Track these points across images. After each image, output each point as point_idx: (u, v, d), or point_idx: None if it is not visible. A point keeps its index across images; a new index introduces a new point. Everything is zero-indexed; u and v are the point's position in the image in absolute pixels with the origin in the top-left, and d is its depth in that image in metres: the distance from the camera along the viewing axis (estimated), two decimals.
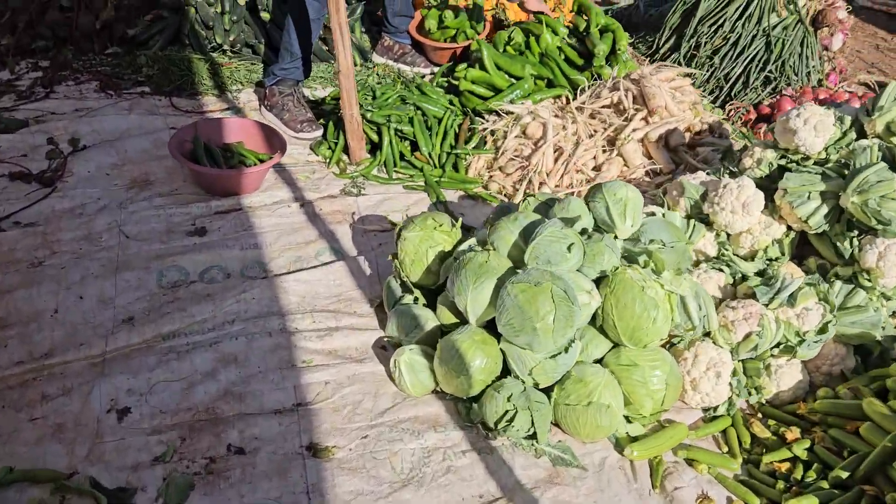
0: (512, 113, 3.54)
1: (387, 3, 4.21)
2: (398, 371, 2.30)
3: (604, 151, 3.30)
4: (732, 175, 2.77)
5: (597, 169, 3.26)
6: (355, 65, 4.21)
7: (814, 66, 4.82)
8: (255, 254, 2.86)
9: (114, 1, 4.03)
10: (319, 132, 3.62)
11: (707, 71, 4.92)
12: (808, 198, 2.54)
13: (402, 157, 3.47)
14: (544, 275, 2.11)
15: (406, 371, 2.28)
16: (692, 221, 2.64)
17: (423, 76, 4.37)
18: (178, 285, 2.66)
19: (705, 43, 4.94)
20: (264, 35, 4.22)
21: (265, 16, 4.25)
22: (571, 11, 4.32)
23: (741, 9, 4.86)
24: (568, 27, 4.32)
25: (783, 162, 2.71)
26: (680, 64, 4.99)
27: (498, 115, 3.67)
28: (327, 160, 3.46)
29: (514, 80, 3.88)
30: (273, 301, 2.62)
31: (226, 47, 4.12)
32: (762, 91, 4.72)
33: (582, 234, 2.31)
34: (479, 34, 4.25)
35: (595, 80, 3.99)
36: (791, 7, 4.82)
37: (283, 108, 3.64)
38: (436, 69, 4.40)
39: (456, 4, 4.45)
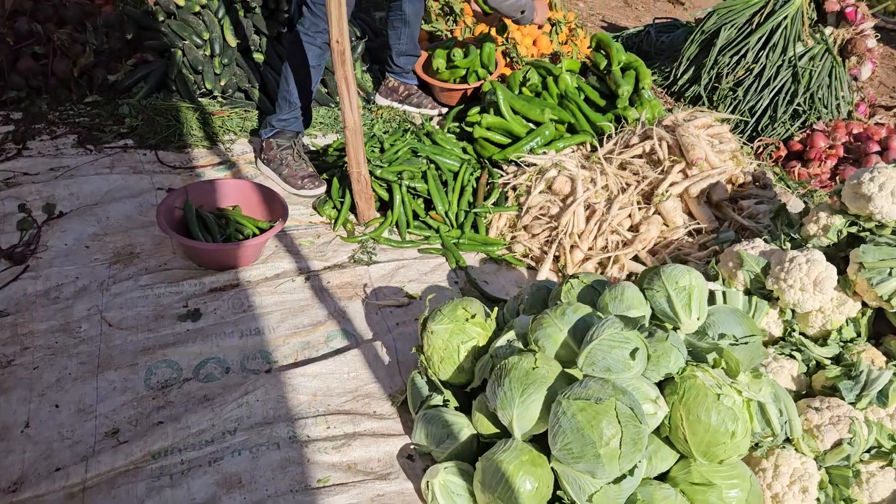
0: (534, 165, 3.22)
1: (391, 41, 3.89)
2: (431, 494, 1.96)
3: (639, 208, 2.98)
4: (795, 244, 2.46)
5: (633, 229, 2.94)
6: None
7: (843, 97, 4.54)
8: (256, 341, 2.51)
9: (93, 45, 3.69)
10: (322, 188, 3.29)
11: (730, 104, 4.62)
12: (890, 274, 2.23)
13: (415, 216, 3.15)
14: (605, 388, 1.78)
15: (441, 496, 1.94)
16: (754, 299, 2.33)
17: (430, 118, 4.05)
18: (170, 385, 2.31)
19: (727, 74, 4.65)
20: (258, 79, 3.89)
21: (258, 57, 3.92)
22: (589, 48, 4.02)
23: (764, 38, 4.58)
24: (585, 63, 4.02)
25: (854, 230, 2.40)
26: (700, 97, 4.71)
27: (517, 165, 3.35)
28: (333, 221, 3.13)
29: (532, 126, 3.57)
30: (280, 402, 2.28)
31: (216, 93, 3.78)
32: (791, 125, 4.43)
33: (640, 329, 1.98)
34: (491, 73, 3.94)
35: (619, 123, 3.69)
36: (818, 36, 4.55)
37: (281, 163, 3.31)
38: (444, 110, 4.09)
39: (465, 41, 4.14)
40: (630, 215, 2.96)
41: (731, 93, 4.65)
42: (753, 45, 4.59)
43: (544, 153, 3.36)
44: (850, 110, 4.57)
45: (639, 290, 2.08)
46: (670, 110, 4.52)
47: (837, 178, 3.97)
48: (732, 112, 4.62)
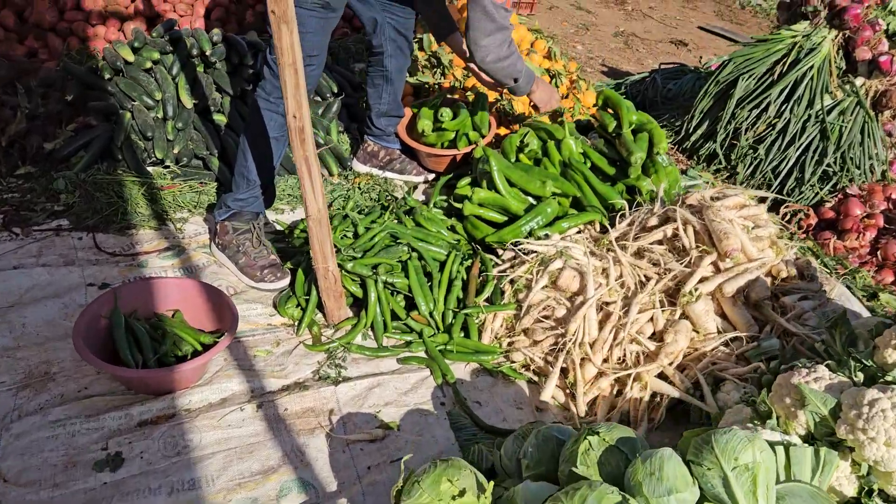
0: (535, 252, 2.72)
1: (371, 100, 3.42)
2: None
3: (662, 308, 2.48)
4: (868, 375, 1.95)
5: (656, 336, 2.44)
6: (330, 175, 3.40)
7: (877, 156, 4.07)
8: (190, 498, 1.98)
9: (25, 109, 3.20)
10: (286, 281, 2.79)
11: (750, 163, 4.15)
12: None
13: (394, 316, 2.64)
14: None
15: None
16: (822, 452, 1.80)
17: (414, 186, 3.57)
18: None
19: (746, 130, 4.18)
20: (218, 145, 3.40)
21: (219, 119, 3.44)
22: (595, 105, 3.55)
23: (788, 90, 4.12)
24: (590, 122, 3.55)
25: None
26: (716, 155, 4.24)
27: (515, 250, 2.86)
28: (296, 323, 2.62)
29: (531, 200, 3.08)
30: None
31: (169, 163, 3.29)
32: (820, 188, 3.95)
33: None
34: (483, 136, 3.46)
35: (631, 194, 3.20)
36: (847, 88, 4.09)
37: (238, 250, 2.81)
38: (431, 177, 3.61)
39: (454, 98, 3.67)
40: (652, 319, 2.46)
41: (751, 151, 4.18)
42: (776, 97, 4.14)
43: (546, 236, 2.86)
44: (885, 170, 4.11)
45: (682, 463, 1.57)
46: (685, 171, 4.05)
47: (879, 252, 3.49)
48: (753, 173, 4.14)
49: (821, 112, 4.01)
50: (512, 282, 2.67)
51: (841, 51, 4.16)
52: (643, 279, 2.62)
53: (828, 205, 3.84)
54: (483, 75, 3.22)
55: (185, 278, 2.65)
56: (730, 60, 4.34)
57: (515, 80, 3.07)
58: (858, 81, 4.10)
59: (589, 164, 3.30)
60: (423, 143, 3.52)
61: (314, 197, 2.35)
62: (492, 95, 3.84)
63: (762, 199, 3.42)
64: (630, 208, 3.05)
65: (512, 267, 2.74)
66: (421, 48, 4.12)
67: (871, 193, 3.83)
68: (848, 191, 3.88)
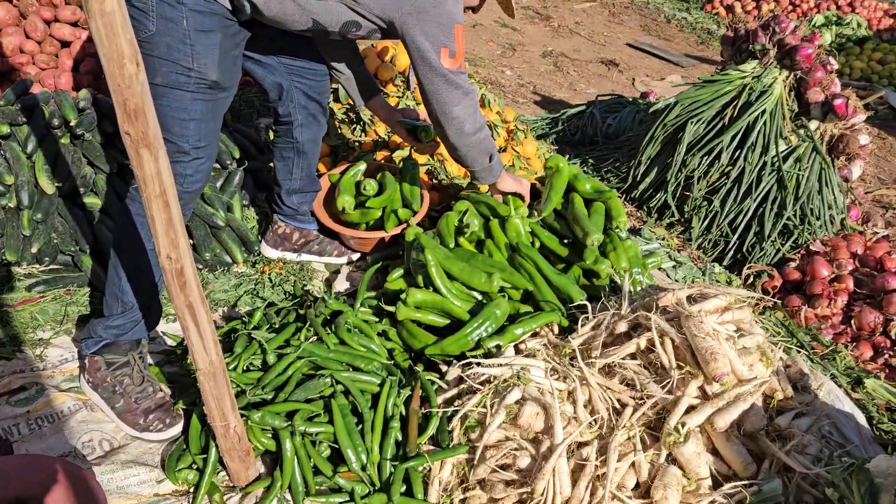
0: (487, 374, 2.25)
1: (280, 176, 2.87)
2: None
3: (644, 446, 2.05)
4: None
5: (641, 488, 2.00)
6: (234, 262, 2.84)
7: (835, 204, 3.80)
8: None
9: None
10: (178, 427, 2.22)
11: (705, 216, 3.81)
12: None
13: (318, 471, 2.11)
14: None
15: None
16: None
17: (337, 269, 3.04)
18: None
19: (699, 179, 3.83)
20: (90, 236, 2.78)
21: (92, 202, 2.82)
22: (543, 163, 3.10)
23: (740, 135, 3.80)
24: (535, 187, 3.11)
25: None
26: (668, 206, 3.87)
27: (465, 367, 2.38)
28: (191, 489, 2.06)
29: (476, 295, 2.61)
30: None
31: (25, 266, 2.65)
32: (781, 243, 3.64)
33: None
34: (415, 213, 2.96)
35: (588, 278, 2.77)
36: (802, 132, 3.80)
37: (114, 390, 2.22)
38: (355, 256, 3.09)
39: (378, 163, 3.17)
40: (634, 465, 2.02)
41: (705, 202, 3.83)
42: (728, 143, 3.81)
43: (498, 348, 2.39)
44: (843, 218, 3.84)
45: None
46: (638, 231, 3.66)
47: (853, 322, 3.18)
48: (709, 227, 3.80)
49: (776, 159, 3.70)
50: (462, 419, 2.18)
51: (793, 92, 3.87)
52: (617, 406, 2.18)
53: (792, 264, 3.52)
54: (422, 146, 2.74)
55: (41, 456, 2.04)
56: (676, 103, 3.98)
57: (491, 159, 2.62)
58: (813, 125, 3.81)
59: (538, 245, 2.86)
60: (344, 222, 2.99)
61: (204, 350, 1.79)
62: (421, 158, 3.34)
63: (755, 278, 3.05)
64: (590, 301, 2.62)
65: (460, 396, 2.25)
66: (337, 99, 3.58)
67: (835, 249, 3.53)
68: (812, 247, 3.58)
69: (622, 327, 2.34)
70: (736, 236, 3.71)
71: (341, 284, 3.02)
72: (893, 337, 3.09)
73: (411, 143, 2.89)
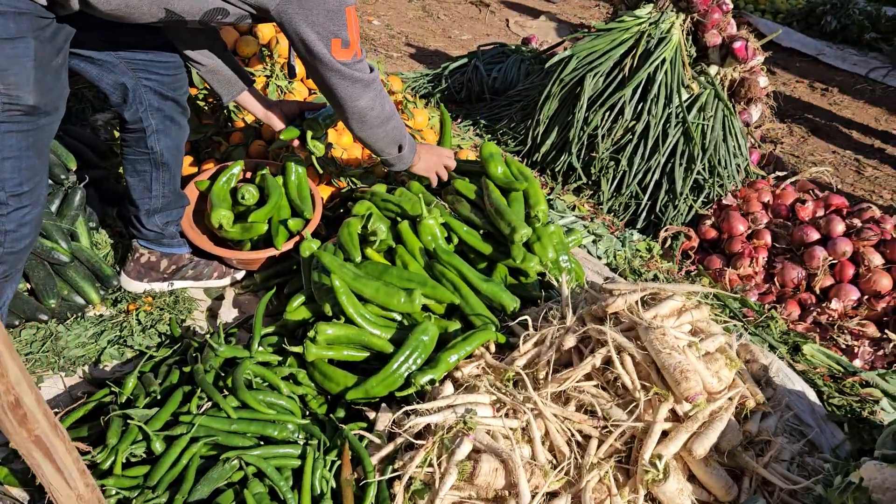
0: (426, 423, 1.90)
1: (135, 195, 2.33)
2: None
3: (617, 485, 1.80)
4: None
5: None
6: (89, 304, 2.31)
7: (739, 151, 3.68)
8: None
9: None
10: None
11: (613, 178, 3.58)
12: None
13: None
14: None
15: None
16: None
17: (220, 295, 2.56)
18: None
19: (603, 137, 3.59)
20: None
21: None
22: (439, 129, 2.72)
23: (642, 87, 3.56)
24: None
25: None
26: (573, 169, 3.62)
27: (402, 411, 2.01)
28: None
29: (396, 316, 2.23)
30: None
31: None
32: (693, 200, 3.49)
33: None
34: (308, 220, 2.51)
35: (515, 276, 2.47)
36: (702, 79, 3.62)
37: None
38: (240, 274, 2.62)
39: (255, 162, 2.67)
40: None
41: (612, 163, 3.60)
42: (629, 97, 3.56)
43: (432, 383, 2.04)
44: (747, 164, 3.74)
45: None
46: (550, 204, 3.38)
47: (776, 279, 3.08)
48: (619, 188, 3.58)
49: (680, 110, 3.50)
50: (406, 482, 1.83)
51: (690, 36, 3.66)
52: (579, 437, 1.91)
53: (707, 222, 3.38)
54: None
55: None
56: (572, 56, 3.67)
57: (400, 148, 2.24)
58: (713, 70, 3.63)
59: (455, 242, 2.50)
60: (222, 239, 2.49)
61: (68, 485, 1.32)
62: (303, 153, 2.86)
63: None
64: (522, 305, 2.33)
65: (397, 452, 1.89)
66: (191, 82, 2.99)
67: (746, 201, 3.42)
68: (724, 201, 3.45)
69: (570, 342, 2.05)
70: (647, 196, 3.51)
71: (228, 313, 2.54)
72: (818, 292, 3.01)
73: (307, 157, 2.43)
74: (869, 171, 4.39)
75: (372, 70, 2.04)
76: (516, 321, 2.27)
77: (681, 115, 3.50)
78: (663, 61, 3.52)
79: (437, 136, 3.45)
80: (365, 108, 2.03)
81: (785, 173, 3.81)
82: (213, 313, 2.54)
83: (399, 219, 2.48)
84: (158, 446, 1.78)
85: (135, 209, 2.35)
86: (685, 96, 3.56)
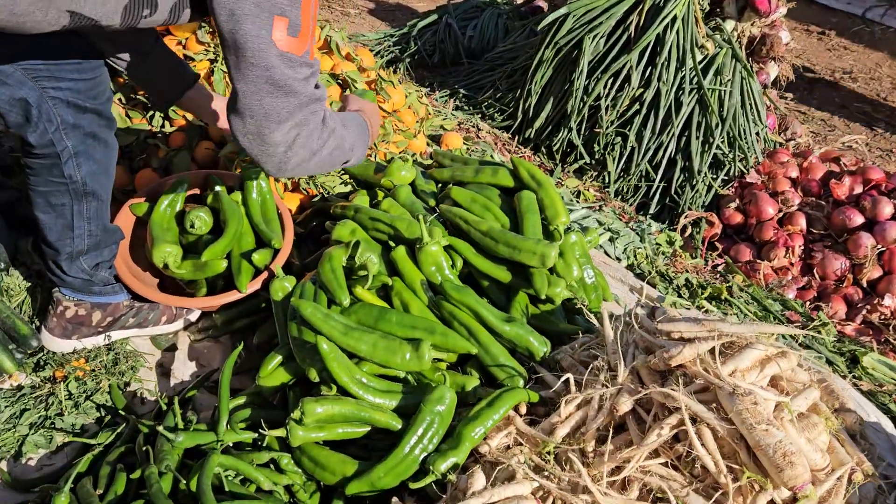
0: None
1: (50, 236, 1.79)
2: None
3: None
4: None
5: None
6: (2, 373, 1.84)
7: (759, 118, 3.26)
8: None
9: None
10: None
11: (620, 156, 3.14)
12: None
13: None
14: None
15: None
16: None
17: (171, 344, 2.07)
18: None
19: (607, 109, 3.12)
20: None
21: None
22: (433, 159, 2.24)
23: (650, 49, 3.09)
24: (423, 167, 2.28)
25: None
26: (574, 148, 3.16)
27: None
28: None
29: (398, 375, 1.78)
30: None
31: None
32: (713, 178, 3.07)
33: None
34: (277, 251, 2.01)
35: (535, 304, 2.03)
36: (718, 37, 3.15)
37: None
38: (194, 315, 2.12)
39: (205, 172, 2.13)
40: None
41: (618, 139, 3.14)
42: (636, 61, 3.08)
43: (454, 467, 1.60)
44: (765, 133, 3.32)
45: None
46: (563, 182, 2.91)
47: (815, 271, 2.71)
48: (627, 168, 3.13)
49: (694, 74, 3.05)
50: None
51: None
52: None
53: (731, 205, 2.97)
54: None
55: None
56: (567, 14, 3.16)
57: (347, 161, 1.72)
58: (729, 26, 3.17)
59: (460, 268, 2.03)
60: (170, 278, 1.98)
61: None
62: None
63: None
64: (552, 345, 1.90)
65: None
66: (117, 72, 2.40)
67: (772, 178, 3.02)
68: (747, 178, 3.03)
69: (625, 405, 1.63)
70: (660, 176, 3.07)
71: (183, 368, 2.05)
72: (865, 285, 2.65)
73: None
74: (881, 128, 4.03)
75: (319, 87, 1.50)
76: (549, 371, 1.83)
77: (695, 79, 3.05)
78: (674, 18, 3.04)
79: (415, 116, 2.94)
80: (288, 139, 1.45)
81: (800, 137, 3.41)
82: (164, 370, 2.04)
83: (392, 242, 2.00)
84: None
85: (53, 252, 1.81)
86: (699, 58, 3.10)
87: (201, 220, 1.95)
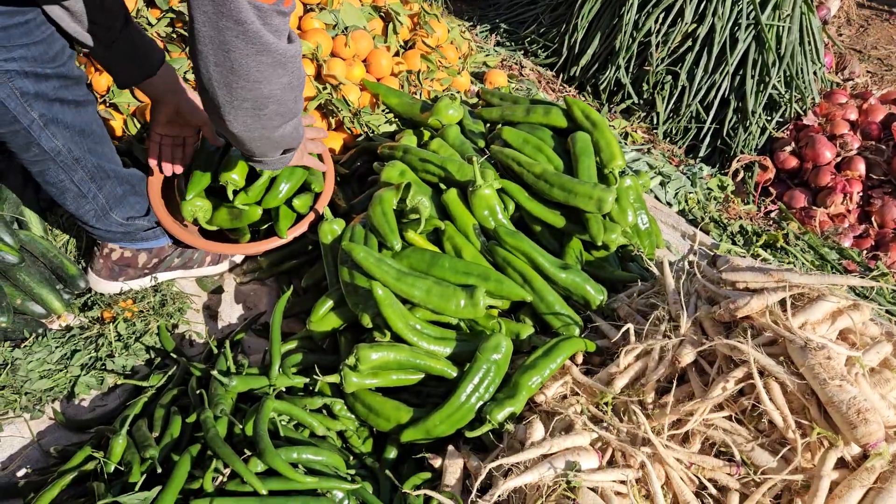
0: (521, 485, 1.44)
1: (69, 206, 1.71)
2: None
3: None
4: None
5: None
6: (51, 313, 1.84)
7: (818, 57, 3.10)
8: None
9: None
10: None
11: (669, 96, 3.01)
12: None
13: None
14: None
15: None
16: None
17: (217, 286, 2.04)
18: None
19: (657, 46, 2.98)
20: None
21: None
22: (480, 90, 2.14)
23: None
24: (471, 106, 2.19)
25: None
26: (621, 86, 3.04)
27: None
28: None
29: (451, 321, 1.74)
30: None
31: None
32: (767, 120, 2.94)
33: None
34: (318, 195, 1.95)
35: (587, 249, 1.97)
36: None
37: None
38: (239, 257, 2.08)
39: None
40: None
41: (668, 77, 3.00)
42: None
43: (511, 416, 1.57)
44: (822, 72, 3.16)
45: None
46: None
47: (873, 219, 2.61)
48: (677, 110, 3.01)
49: (752, 8, 2.88)
50: None
51: None
52: (711, 489, 1.48)
53: (787, 148, 2.85)
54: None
55: None
56: None
57: (286, 151, 1.61)
58: None
59: (512, 212, 1.96)
60: (209, 228, 1.93)
61: None
62: (310, 90, 2.24)
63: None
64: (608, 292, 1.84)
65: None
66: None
67: (829, 121, 2.88)
68: (804, 120, 2.90)
69: (688, 357, 1.58)
70: (711, 117, 2.95)
71: (230, 311, 2.02)
72: None
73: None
74: None
75: (292, 40, 1.35)
76: (605, 320, 1.78)
77: (752, 14, 2.88)
78: None
79: (458, 52, 2.82)
80: (267, 97, 1.34)
81: (858, 77, 3.25)
82: (211, 312, 2.02)
83: (442, 185, 1.93)
84: None
85: (79, 217, 1.76)
86: None
87: (234, 174, 1.85)
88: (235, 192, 1.85)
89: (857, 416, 1.36)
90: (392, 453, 1.65)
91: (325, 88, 2.24)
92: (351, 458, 1.64)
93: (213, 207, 1.92)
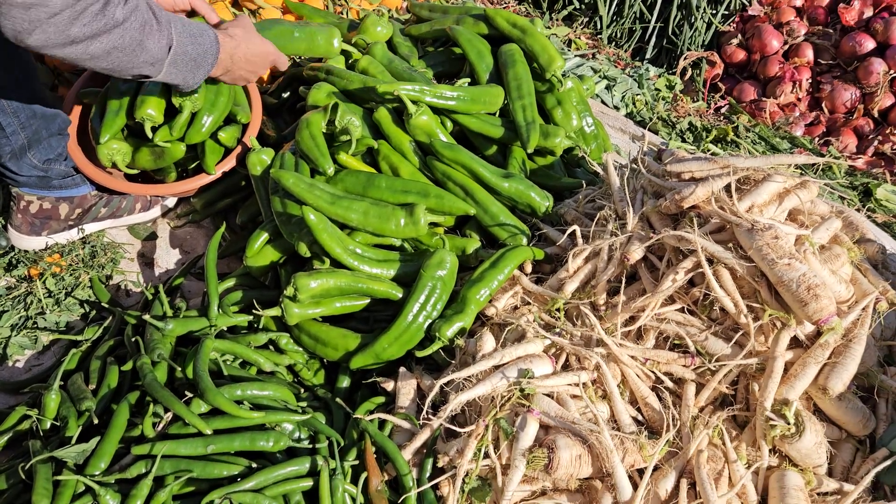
0: (472, 398, 1.40)
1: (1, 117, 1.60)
2: None
3: (733, 440, 1.37)
4: None
5: None
6: None
7: None
8: None
9: None
10: None
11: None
12: None
13: None
14: None
15: None
16: None
17: (150, 232, 1.95)
18: None
19: None
20: None
21: None
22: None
23: None
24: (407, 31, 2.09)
25: None
26: None
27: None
28: None
29: (394, 243, 1.68)
30: None
31: None
32: (712, 15, 2.86)
33: None
34: (245, 126, 1.84)
35: (531, 157, 1.90)
36: None
37: None
38: (171, 201, 1.98)
39: None
40: (730, 480, 1.34)
41: None
42: None
43: (462, 332, 1.53)
44: None
45: None
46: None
47: (824, 105, 2.56)
48: (620, 11, 2.90)
49: None
50: (459, 475, 1.36)
51: None
52: (668, 382, 1.46)
53: (733, 41, 2.77)
54: None
55: None
56: None
57: (170, 49, 1.39)
58: None
59: (450, 128, 1.88)
60: (133, 171, 1.82)
61: None
62: (226, 15, 2.10)
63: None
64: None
65: (435, 439, 1.41)
66: None
67: (776, 9, 2.80)
68: (750, 10, 2.82)
69: (637, 253, 1.55)
70: (655, 16, 2.85)
71: (167, 257, 1.94)
72: (877, 115, 2.51)
73: None
74: None
75: None
76: (553, 226, 1.73)
77: None
78: None
79: None
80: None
81: None
82: (146, 260, 1.93)
83: (376, 104, 1.83)
84: (111, 501, 1.26)
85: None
86: None
87: (152, 108, 1.73)
88: (154, 129, 1.74)
89: (808, 292, 1.34)
90: (345, 382, 1.60)
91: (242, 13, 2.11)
92: (303, 391, 1.59)
93: (134, 150, 1.81)
